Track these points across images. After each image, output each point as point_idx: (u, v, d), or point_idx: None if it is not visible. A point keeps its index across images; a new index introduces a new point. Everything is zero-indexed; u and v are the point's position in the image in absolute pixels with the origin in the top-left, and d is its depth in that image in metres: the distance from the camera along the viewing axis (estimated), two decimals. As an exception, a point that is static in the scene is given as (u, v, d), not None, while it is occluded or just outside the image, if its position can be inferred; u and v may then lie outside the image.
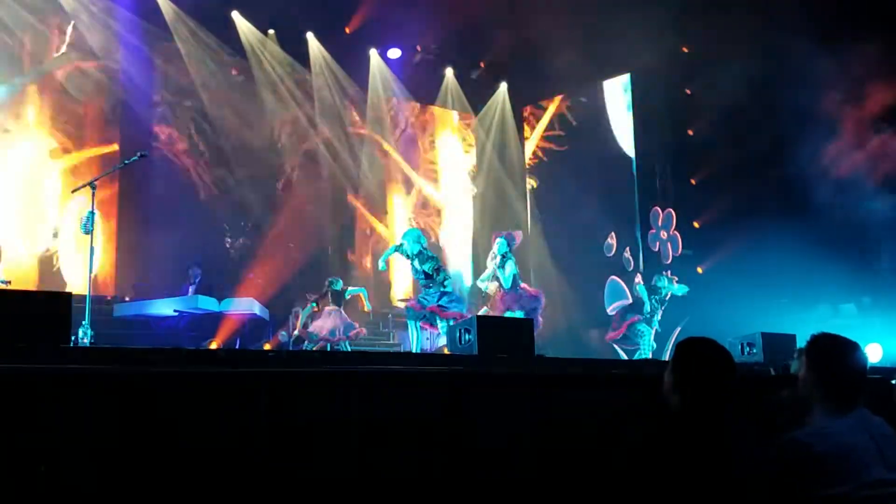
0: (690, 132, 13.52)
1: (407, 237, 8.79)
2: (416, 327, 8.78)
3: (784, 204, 11.06)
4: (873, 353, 9.22)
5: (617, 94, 13.34)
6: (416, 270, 8.79)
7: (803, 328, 3.68)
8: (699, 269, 12.72)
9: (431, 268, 8.57)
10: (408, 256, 8.71)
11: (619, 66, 12.95)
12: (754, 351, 5.95)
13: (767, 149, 11.19)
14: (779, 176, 11.00)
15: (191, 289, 10.18)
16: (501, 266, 9.11)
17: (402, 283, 13.15)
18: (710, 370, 2.49)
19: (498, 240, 9.30)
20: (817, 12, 9.92)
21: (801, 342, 5.09)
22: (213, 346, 9.44)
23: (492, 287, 9.38)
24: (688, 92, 13.39)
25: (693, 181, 13.43)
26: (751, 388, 3.72)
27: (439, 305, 8.50)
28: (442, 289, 8.61)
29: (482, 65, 13.74)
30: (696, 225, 13.18)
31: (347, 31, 12.39)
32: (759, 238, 10.53)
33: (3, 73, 10.36)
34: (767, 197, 11.44)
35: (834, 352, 2.61)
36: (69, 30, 10.70)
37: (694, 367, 2.51)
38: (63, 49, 10.68)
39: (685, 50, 13.18)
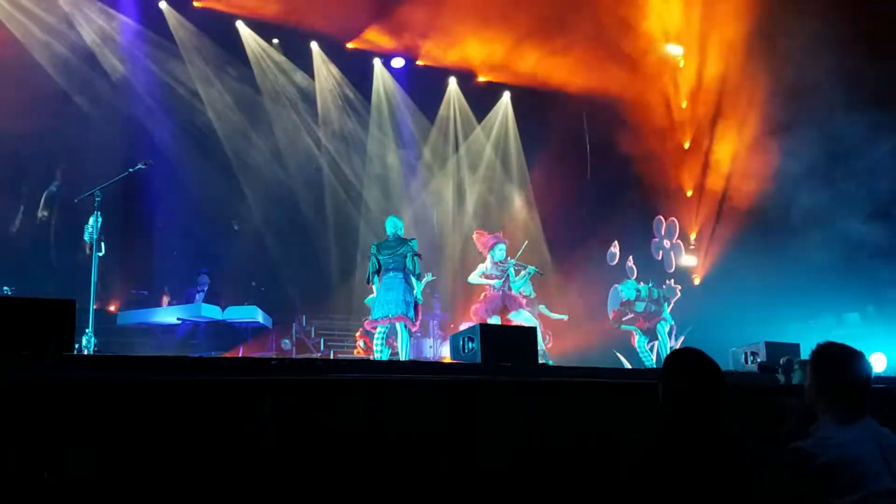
0: (686, 144, 13.55)
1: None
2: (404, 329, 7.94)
3: (786, 212, 11.04)
4: (878, 363, 9.18)
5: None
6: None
7: (807, 337, 3.67)
8: (696, 279, 12.72)
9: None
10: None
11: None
12: (759, 360, 5.93)
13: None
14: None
15: (199, 296, 10.16)
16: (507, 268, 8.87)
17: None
18: (696, 380, 2.52)
19: (500, 245, 8.96)
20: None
21: (805, 351, 5.08)
22: None
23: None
24: (683, 106, 13.43)
25: (689, 192, 13.45)
26: (758, 397, 3.71)
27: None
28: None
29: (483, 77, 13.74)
30: (692, 235, 13.19)
31: (349, 46, 12.47)
32: (761, 248, 10.51)
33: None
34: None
35: (838, 361, 2.60)
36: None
37: (679, 378, 2.54)
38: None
39: (681, 65, 13.24)
